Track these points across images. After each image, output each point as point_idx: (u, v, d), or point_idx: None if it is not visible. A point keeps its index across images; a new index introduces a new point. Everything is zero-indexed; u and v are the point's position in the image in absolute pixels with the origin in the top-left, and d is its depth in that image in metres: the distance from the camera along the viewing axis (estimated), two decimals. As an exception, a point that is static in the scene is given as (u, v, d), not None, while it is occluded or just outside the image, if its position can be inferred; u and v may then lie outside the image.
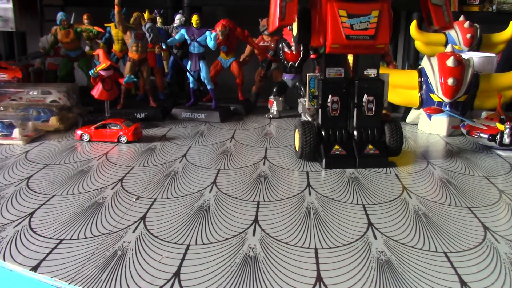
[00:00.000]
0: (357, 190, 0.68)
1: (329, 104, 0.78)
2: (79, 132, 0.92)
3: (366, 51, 0.75)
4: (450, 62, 0.95)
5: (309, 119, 0.86)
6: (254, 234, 0.54)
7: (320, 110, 0.80)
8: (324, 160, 0.78)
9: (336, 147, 0.79)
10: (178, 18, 1.25)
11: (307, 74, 0.85)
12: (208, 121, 1.10)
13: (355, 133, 0.79)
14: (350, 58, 0.91)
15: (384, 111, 0.93)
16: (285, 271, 0.46)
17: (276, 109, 1.16)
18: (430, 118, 1.02)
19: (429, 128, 1.03)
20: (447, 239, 0.53)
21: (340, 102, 0.78)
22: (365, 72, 0.78)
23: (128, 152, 0.86)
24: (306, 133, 0.79)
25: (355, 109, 0.79)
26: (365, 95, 0.78)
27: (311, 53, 1.14)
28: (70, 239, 0.52)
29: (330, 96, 0.78)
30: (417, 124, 1.08)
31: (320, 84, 0.79)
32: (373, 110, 0.78)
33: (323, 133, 0.80)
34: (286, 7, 0.70)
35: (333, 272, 0.46)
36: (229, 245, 0.51)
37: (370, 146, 0.78)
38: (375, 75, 0.78)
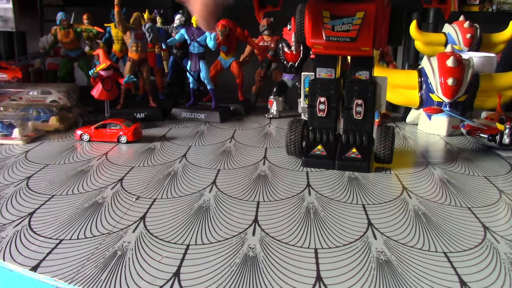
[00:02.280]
0: (357, 190, 0.68)
1: (316, 104, 0.78)
2: (79, 132, 0.92)
3: (351, 53, 0.74)
4: (450, 62, 0.95)
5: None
6: (254, 234, 0.54)
7: (308, 110, 0.80)
8: (302, 159, 0.78)
9: (319, 147, 0.78)
10: (178, 18, 1.25)
11: (302, 73, 0.85)
12: (208, 121, 1.10)
13: (343, 135, 0.79)
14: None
15: (384, 111, 0.93)
16: (285, 271, 0.46)
17: (276, 109, 1.16)
18: (430, 118, 1.02)
19: (429, 128, 1.03)
20: (447, 239, 0.53)
21: (327, 103, 0.78)
22: (356, 74, 0.77)
23: (128, 152, 0.86)
24: (292, 131, 0.81)
25: (345, 112, 0.79)
26: (354, 98, 0.77)
27: (311, 53, 1.14)
28: (70, 239, 0.52)
29: (317, 96, 0.78)
30: (417, 124, 1.08)
31: (309, 83, 0.80)
32: (361, 113, 0.77)
33: (310, 132, 0.80)
34: None
35: (333, 272, 0.46)
36: (229, 245, 0.51)
37: (354, 150, 0.77)
38: (367, 78, 0.76)
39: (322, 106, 0.78)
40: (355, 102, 0.77)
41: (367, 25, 0.69)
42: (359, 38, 0.70)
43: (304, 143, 0.81)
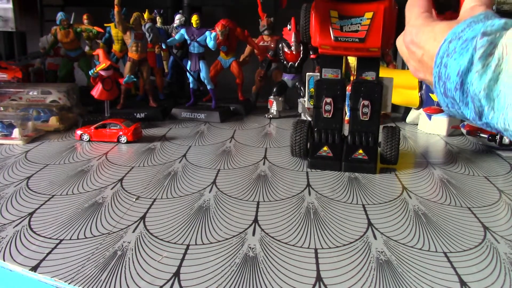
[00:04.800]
0: (357, 190, 0.68)
1: (322, 105, 0.78)
2: (79, 132, 0.92)
3: (359, 54, 0.74)
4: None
5: (309, 118, 0.86)
6: (254, 234, 0.54)
7: (314, 111, 0.80)
8: (308, 161, 0.78)
9: (325, 148, 0.78)
10: (178, 18, 1.25)
11: (307, 74, 0.85)
12: (208, 121, 1.10)
13: (349, 136, 0.79)
14: (351, 60, 0.91)
15: (388, 112, 0.93)
16: (285, 271, 0.46)
17: (276, 109, 1.16)
18: (430, 118, 1.02)
19: (429, 128, 1.03)
20: (447, 239, 0.53)
21: (333, 104, 0.78)
22: (363, 75, 0.77)
23: (128, 152, 0.86)
24: (297, 132, 0.80)
25: (351, 112, 0.79)
26: (361, 99, 0.76)
27: (311, 53, 1.14)
28: (70, 239, 0.52)
29: (323, 97, 0.78)
30: (417, 124, 1.08)
31: (315, 84, 0.79)
32: (368, 114, 0.76)
33: (315, 133, 0.80)
34: None
35: (333, 272, 0.46)
36: (229, 245, 0.51)
37: (360, 151, 0.77)
38: (373, 79, 0.76)
39: (328, 107, 0.78)
40: (362, 103, 0.76)
41: (376, 25, 0.69)
42: (368, 38, 0.70)
43: (309, 144, 0.80)
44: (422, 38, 0.40)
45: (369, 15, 0.70)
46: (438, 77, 0.36)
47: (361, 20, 0.70)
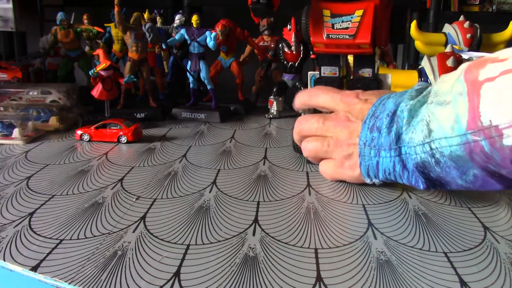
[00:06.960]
0: (357, 190, 0.68)
1: None
2: (79, 132, 0.92)
3: (351, 51, 0.75)
4: (450, 62, 0.95)
5: None
6: (254, 234, 0.54)
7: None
8: (305, 157, 0.79)
9: None
10: (178, 18, 1.25)
11: (309, 72, 0.85)
12: (208, 121, 1.10)
13: None
14: (350, 59, 0.91)
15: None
16: (285, 271, 0.46)
17: (276, 109, 1.16)
18: (430, 118, 1.02)
19: (429, 128, 1.03)
20: (447, 239, 0.53)
21: None
22: (359, 72, 0.78)
23: (128, 152, 0.86)
24: None
25: None
26: None
27: (311, 53, 1.14)
28: (70, 239, 0.52)
29: None
30: (417, 124, 1.07)
31: (314, 82, 0.81)
32: None
33: None
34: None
35: (333, 272, 0.46)
36: (229, 245, 0.51)
37: None
38: (370, 76, 0.78)
39: None
40: None
41: (366, 22, 0.72)
42: (358, 34, 0.72)
43: None
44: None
45: (359, 12, 0.72)
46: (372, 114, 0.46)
47: (351, 17, 0.72)
